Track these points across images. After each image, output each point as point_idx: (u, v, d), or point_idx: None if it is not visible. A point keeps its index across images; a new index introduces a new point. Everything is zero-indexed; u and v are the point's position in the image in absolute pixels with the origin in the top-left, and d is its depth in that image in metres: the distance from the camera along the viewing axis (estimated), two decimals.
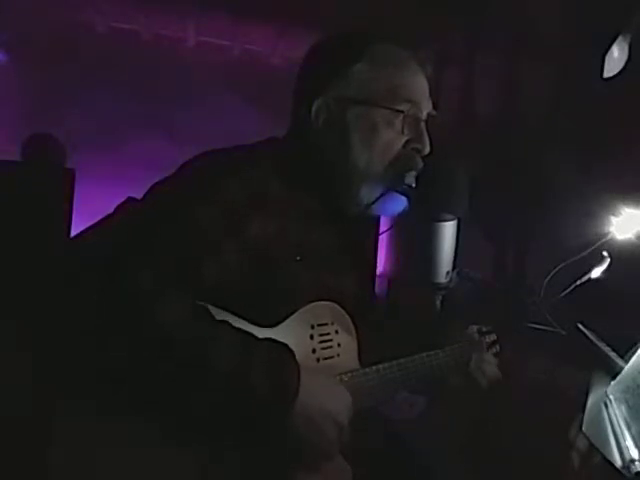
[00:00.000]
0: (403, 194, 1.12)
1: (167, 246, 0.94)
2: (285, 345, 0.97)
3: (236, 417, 0.94)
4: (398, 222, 1.29)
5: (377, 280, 3.69)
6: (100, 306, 0.87)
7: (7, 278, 0.95)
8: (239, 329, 0.95)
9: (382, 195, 1.12)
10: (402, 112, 1.09)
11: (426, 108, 1.14)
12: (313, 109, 1.10)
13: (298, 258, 1.07)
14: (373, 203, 1.13)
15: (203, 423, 0.94)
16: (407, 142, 1.11)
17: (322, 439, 0.98)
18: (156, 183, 1.04)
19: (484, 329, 1.32)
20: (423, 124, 1.12)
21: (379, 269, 3.97)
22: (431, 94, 1.15)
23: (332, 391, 1.02)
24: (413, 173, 1.12)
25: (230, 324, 0.95)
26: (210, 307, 0.97)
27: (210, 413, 0.93)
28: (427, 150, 1.12)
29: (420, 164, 1.12)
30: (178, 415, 0.92)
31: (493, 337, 1.33)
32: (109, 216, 0.99)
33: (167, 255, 0.94)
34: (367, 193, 1.12)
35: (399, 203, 1.14)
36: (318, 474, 1.03)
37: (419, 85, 1.13)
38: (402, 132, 1.10)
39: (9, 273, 0.95)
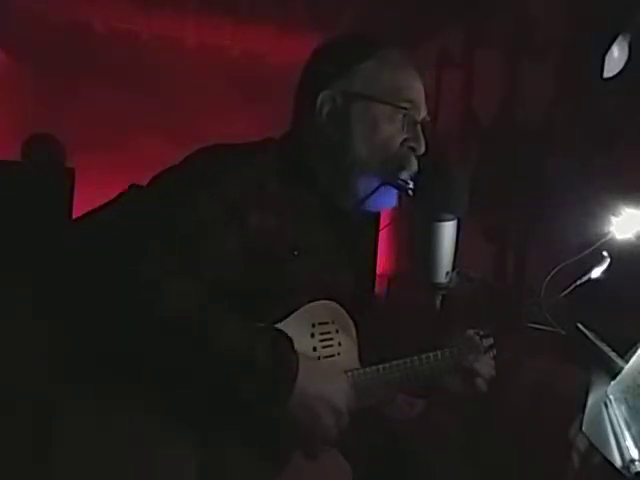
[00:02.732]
0: (396, 187, 1.13)
1: (166, 239, 0.95)
2: (283, 332, 0.99)
3: (235, 399, 0.96)
4: (398, 222, 1.29)
5: (377, 280, 3.70)
6: (100, 293, 0.89)
7: (7, 277, 0.95)
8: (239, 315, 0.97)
9: (377, 189, 1.13)
10: (404, 109, 1.12)
11: (423, 112, 1.17)
12: (318, 101, 1.12)
13: (295, 253, 1.07)
14: (367, 197, 1.14)
15: (202, 405, 0.95)
16: (405, 140, 1.13)
17: (318, 424, 1.00)
18: (159, 173, 1.05)
19: (482, 332, 1.32)
20: (419, 126, 1.15)
21: (379, 269, 3.98)
22: (426, 101, 1.18)
23: (331, 378, 1.04)
24: (407, 172, 1.13)
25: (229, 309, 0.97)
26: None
27: (210, 394, 0.95)
28: (422, 150, 1.14)
29: (415, 165, 1.14)
30: (177, 396, 0.94)
31: (491, 341, 1.33)
32: (110, 202, 1.00)
33: (165, 244, 0.95)
34: (363, 187, 1.13)
35: (391, 198, 1.16)
36: (316, 460, 1.05)
37: (418, 89, 1.16)
38: (402, 129, 1.13)
39: (9, 272, 0.96)
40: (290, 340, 0.99)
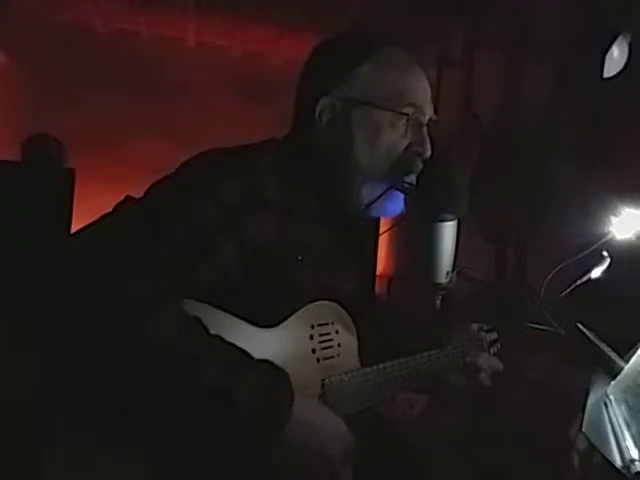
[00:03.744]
0: (402, 191, 1.12)
1: (164, 247, 0.94)
2: (282, 371, 0.94)
3: (222, 439, 0.91)
4: (398, 222, 1.29)
5: (377, 280, 3.70)
6: (92, 309, 0.86)
7: (7, 278, 0.94)
8: (233, 347, 0.93)
9: (382, 195, 1.12)
10: (407, 115, 1.10)
11: (428, 112, 1.14)
12: (317, 109, 1.10)
13: (299, 258, 1.07)
14: (373, 203, 1.13)
15: (188, 440, 0.91)
16: (409, 145, 1.12)
17: (309, 473, 0.94)
18: (155, 182, 1.03)
19: (485, 327, 1.32)
20: (425, 128, 1.13)
21: (379, 269, 3.98)
22: (432, 99, 1.15)
23: (325, 423, 0.98)
24: (413, 176, 1.12)
25: (223, 340, 0.92)
26: (210, 308, 0.97)
27: (195, 430, 0.90)
28: (428, 154, 1.12)
29: (420, 167, 1.12)
30: (158, 429, 0.90)
31: (494, 336, 1.33)
32: (107, 215, 0.98)
33: (164, 256, 0.93)
34: (368, 193, 1.12)
35: (397, 204, 1.14)
36: None
37: (422, 89, 1.13)
38: (405, 135, 1.11)
39: (9, 273, 0.95)
40: (286, 380, 0.93)
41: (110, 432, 0.91)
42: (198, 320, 0.92)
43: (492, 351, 1.32)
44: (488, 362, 1.27)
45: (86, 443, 0.90)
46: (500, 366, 1.28)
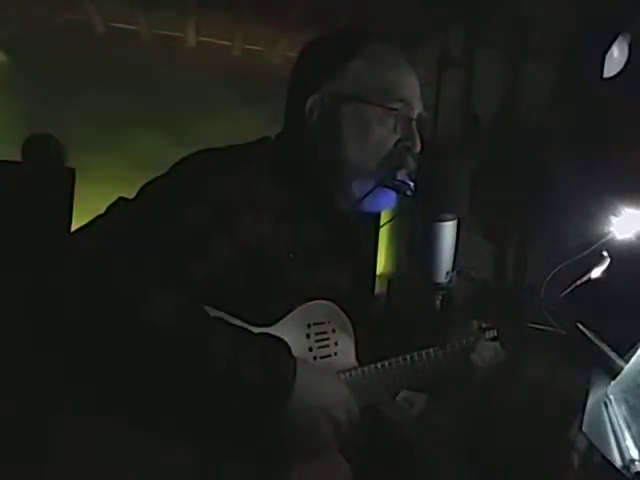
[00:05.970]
0: (393, 189, 1.13)
1: (157, 246, 0.94)
2: (280, 339, 0.97)
3: (231, 409, 0.94)
4: (398, 214, 1.29)
5: (377, 280, 3.70)
6: (88, 306, 0.87)
7: (6, 278, 0.95)
8: (233, 324, 0.95)
9: (372, 190, 1.12)
10: (396, 110, 1.10)
11: (417, 108, 1.14)
12: (307, 105, 1.11)
13: (291, 255, 1.07)
14: (364, 198, 1.13)
15: (197, 416, 0.94)
16: (399, 140, 1.12)
17: (317, 433, 0.98)
18: (147, 182, 1.03)
19: (484, 325, 1.32)
20: (414, 123, 1.13)
21: (379, 269, 3.98)
22: (422, 94, 1.16)
23: (329, 385, 1.02)
24: (404, 171, 1.13)
25: (224, 320, 0.95)
26: (205, 307, 0.97)
27: (204, 406, 0.93)
28: (418, 148, 1.13)
29: (412, 162, 1.13)
30: (171, 409, 0.92)
31: (493, 333, 1.33)
32: (100, 216, 0.98)
33: (157, 255, 0.94)
34: (358, 189, 1.13)
35: (389, 198, 1.15)
36: (313, 467, 1.03)
37: (411, 85, 1.14)
38: (394, 130, 1.11)
39: (8, 273, 0.96)
40: (286, 346, 0.96)
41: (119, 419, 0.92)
42: (199, 304, 0.94)
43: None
44: (484, 348, 1.26)
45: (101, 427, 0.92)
46: (501, 355, 1.28)
